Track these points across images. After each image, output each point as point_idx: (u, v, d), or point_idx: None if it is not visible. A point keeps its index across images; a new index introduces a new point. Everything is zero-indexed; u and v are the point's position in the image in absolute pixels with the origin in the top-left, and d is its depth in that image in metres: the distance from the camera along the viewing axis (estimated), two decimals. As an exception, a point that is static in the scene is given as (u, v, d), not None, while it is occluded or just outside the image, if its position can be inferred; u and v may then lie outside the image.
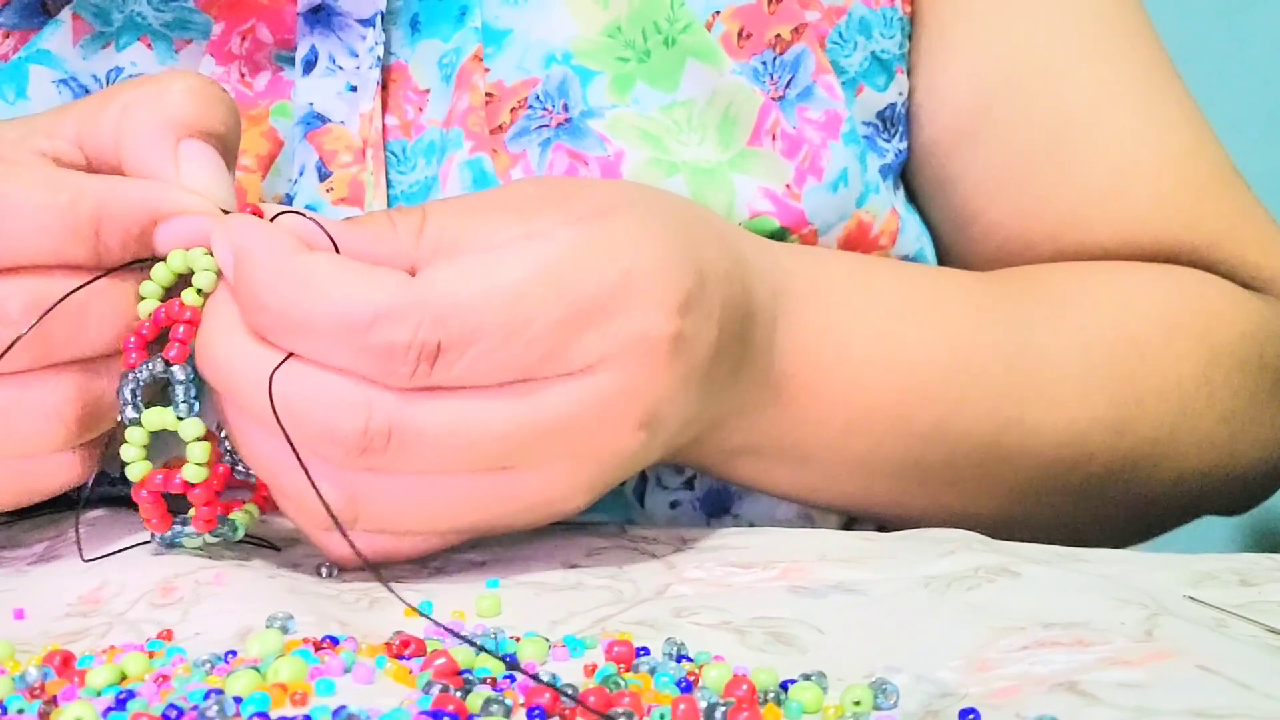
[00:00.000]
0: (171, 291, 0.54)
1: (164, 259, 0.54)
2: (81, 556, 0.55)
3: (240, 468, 0.55)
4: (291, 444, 0.50)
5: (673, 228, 0.56)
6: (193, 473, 0.53)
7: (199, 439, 0.53)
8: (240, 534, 0.55)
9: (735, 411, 0.59)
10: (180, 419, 0.53)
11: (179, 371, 0.53)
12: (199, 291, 0.53)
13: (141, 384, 0.53)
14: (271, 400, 0.50)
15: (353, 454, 0.50)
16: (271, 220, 0.53)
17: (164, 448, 0.54)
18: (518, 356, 0.51)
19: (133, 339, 0.53)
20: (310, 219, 0.53)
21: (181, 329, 0.53)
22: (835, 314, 0.62)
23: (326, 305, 0.50)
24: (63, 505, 0.61)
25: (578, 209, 0.54)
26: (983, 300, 0.67)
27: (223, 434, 0.54)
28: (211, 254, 0.53)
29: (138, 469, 0.54)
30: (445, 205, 0.55)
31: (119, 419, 0.54)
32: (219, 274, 0.53)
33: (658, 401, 0.53)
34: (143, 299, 0.54)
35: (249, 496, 0.56)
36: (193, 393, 0.53)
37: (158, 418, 0.53)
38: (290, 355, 0.51)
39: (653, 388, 0.53)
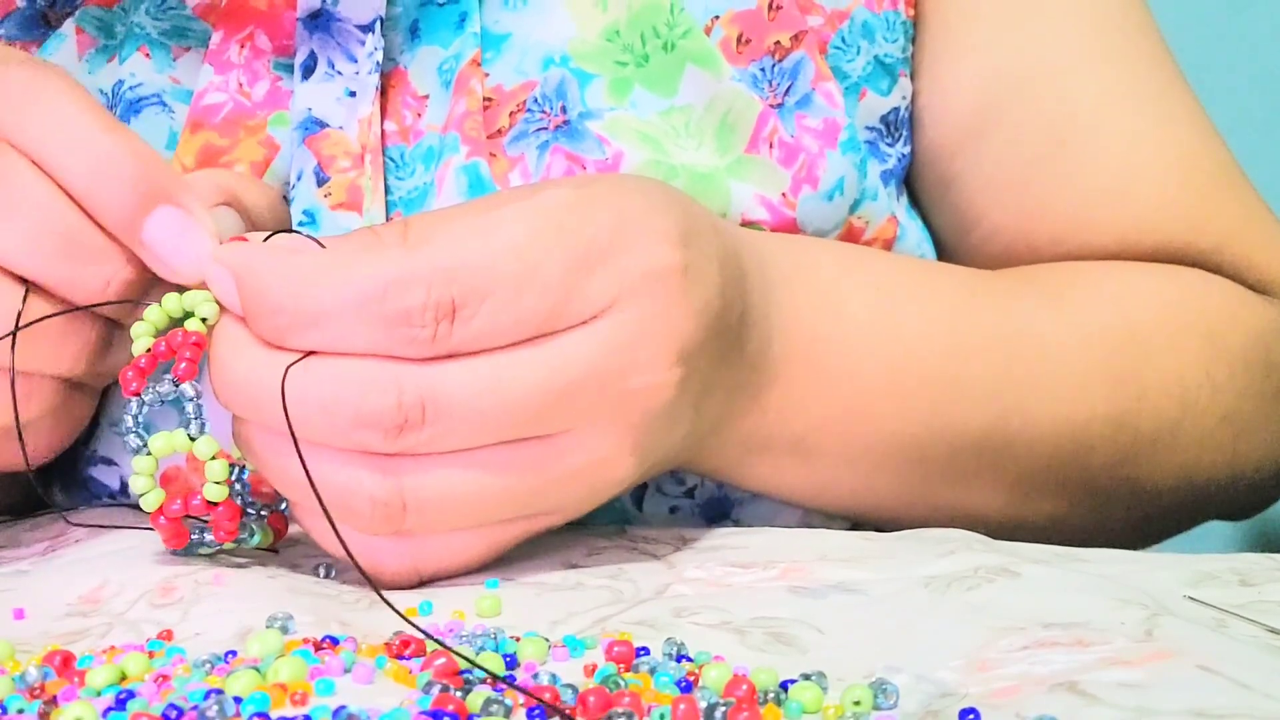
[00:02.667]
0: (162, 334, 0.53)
1: (159, 302, 0.53)
2: (64, 516, 0.54)
3: (251, 508, 0.54)
4: (296, 437, 0.50)
5: (653, 185, 0.57)
6: (214, 492, 0.53)
7: (215, 456, 0.53)
8: (256, 541, 0.55)
9: (744, 392, 0.59)
10: (193, 438, 0.53)
11: (188, 389, 0.52)
12: (203, 320, 0.52)
13: (146, 408, 0.53)
14: (284, 399, 0.50)
15: (392, 434, 0.50)
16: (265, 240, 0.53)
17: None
18: (533, 306, 0.51)
19: (130, 371, 0.53)
20: (299, 235, 0.53)
21: (188, 351, 0.52)
22: (825, 289, 0.62)
23: (337, 287, 0.50)
24: (65, 505, 0.62)
25: (556, 184, 0.54)
26: (977, 287, 0.67)
27: (233, 471, 0.54)
28: (208, 290, 0.52)
29: (152, 499, 0.53)
30: (425, 215, 0.55)
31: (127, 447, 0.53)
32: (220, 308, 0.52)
33: (683, 334, 0.53)
34: (136, 339, 0.53)
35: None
36: (203, 411, 0.53)
37: (165, 442, 0.53)
38: (309, 354, 0.50)
39: (674, 319, 0.53)
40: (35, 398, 0.55)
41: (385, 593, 0.48)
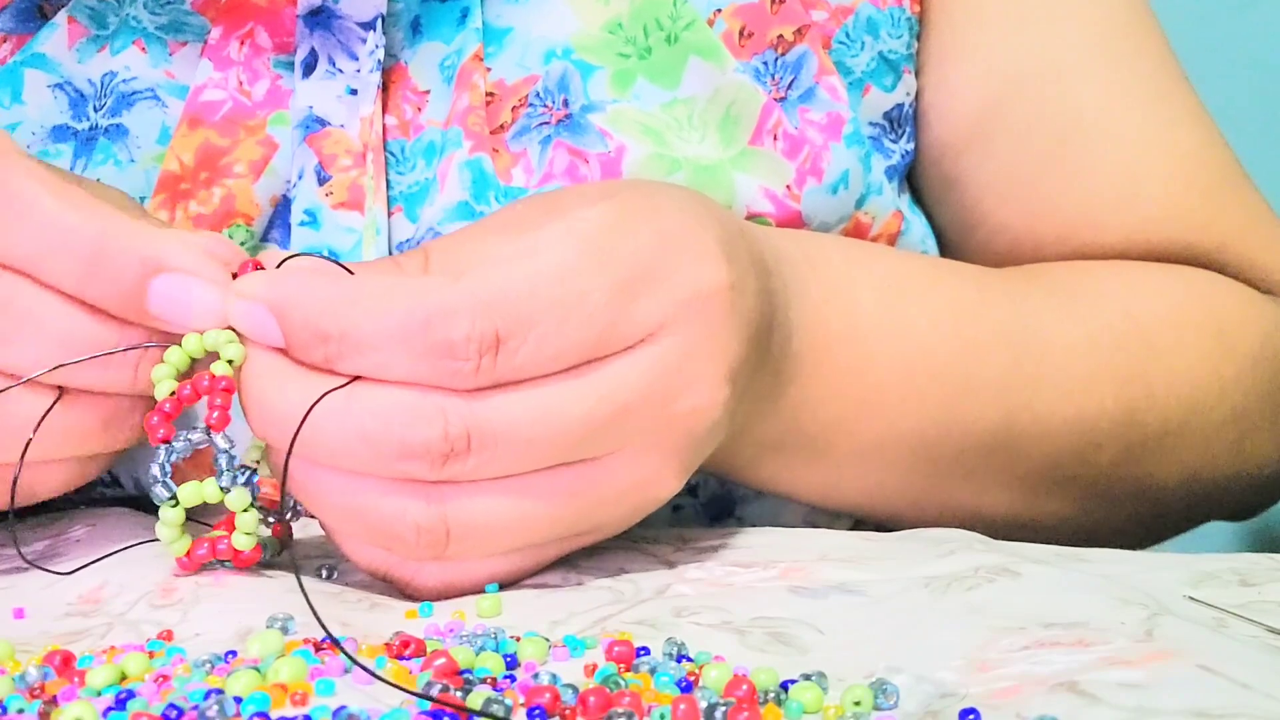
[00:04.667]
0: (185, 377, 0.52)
1: (178, 343, 0.52)
2: (28, 562, 0.54)
3: (259, 513, 0.54)
4: (288, 443, 0.49)
5: (685, 195, 0.56)
6: (243, 541, 0.53)
7: (248, 509, 0.52)
8: (267, 556, 0.55)
9: (769, 393, 0.59)
10: (225, 489, 0.52)
11: (220, 440, 0.52)
12: (229, 362, 0.51)
13: (175, 457, 0.52)
14: (303, 420, 0.49)
15: (437, 463, 0.49)
16: (278, 266, 0.53)
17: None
18: (578, 335, 0.50)
19: (156, 417, 0.52)
20: (323, 260, 0.53)
21: (219, 398, 0.51)
22: (835, 284, 0.62)
23: (380, 317, 0.49)
24: (65, 504, 0.62)
25: (584, 199, 0.54)
26: (985, 285, 0.67)
27: (243, 474, 0.53)
28: (231, 329, 0.51)
29: (179, 547, 0.53)
30: (443, 240, 0.55)
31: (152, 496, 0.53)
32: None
33: (730, 354, 0.53)
34: (157, 382, 0.52)
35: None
36: (235, 461, 0.52)
37: (194, 494, 0.52)
38: (349, 381, 0.50)
39: (722, 340, 0.52)
40: (93, 466, 0.56)
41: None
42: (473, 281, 0.50)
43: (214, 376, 0.51)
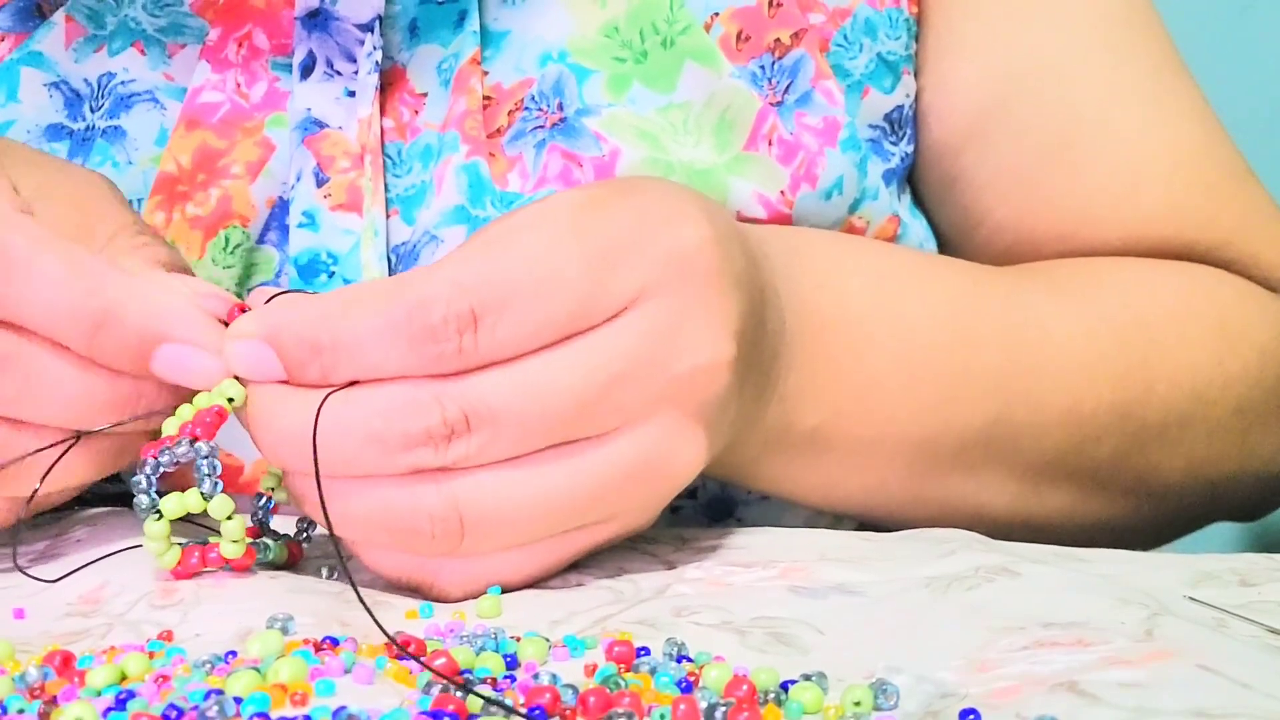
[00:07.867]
0: None
1: (189, 401, 0.52)
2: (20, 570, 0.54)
3: (271, 535, 0.55)
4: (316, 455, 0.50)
5: (659, 180, 0.56)
6: (231, 549, 0.53)
7: (230, 516, 0.52)
8: (271, 558, 0.55)
9: (769, 380, 0.58)
10: (207, 497, 0.52)
11: (203, 446, 0.52)
12: (229, 400, 0.52)
13: (161, 469, 0.52)
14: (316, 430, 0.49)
15: (441, 447, 0.49)
16: (266, 303, 0.53)
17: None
18: (556, 307, 0.50)
19: (151, 444, 0.52)
20: (302, 294, 0.53)
21: (209, 417, 0.52)
22: (825, 271, 0.61)
23: (365, 316, 0.49)
24: (65, 504, 0.61)
25: (561, 193, 0.54)
26: (981, 277, 0.67)
27: (260, 500, 0.54)
28: (235, 379, 0.52)
29: (169, 559, 0.53)
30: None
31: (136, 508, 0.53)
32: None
33: (727, 308, 0.52)
34: (166, 431, 0.52)
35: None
36: (217, 469, 0.52)
37: (178, 504, 0.52)
38: (346, 386, 0.50)
39: (714, 295, 0.52)
40: (72, 492, 0.56)
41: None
42: (448, 268, 0.50)
43: (207, 408, 0.52)
